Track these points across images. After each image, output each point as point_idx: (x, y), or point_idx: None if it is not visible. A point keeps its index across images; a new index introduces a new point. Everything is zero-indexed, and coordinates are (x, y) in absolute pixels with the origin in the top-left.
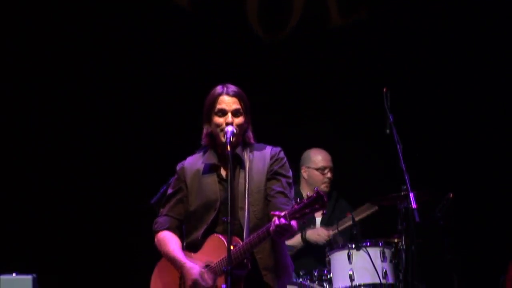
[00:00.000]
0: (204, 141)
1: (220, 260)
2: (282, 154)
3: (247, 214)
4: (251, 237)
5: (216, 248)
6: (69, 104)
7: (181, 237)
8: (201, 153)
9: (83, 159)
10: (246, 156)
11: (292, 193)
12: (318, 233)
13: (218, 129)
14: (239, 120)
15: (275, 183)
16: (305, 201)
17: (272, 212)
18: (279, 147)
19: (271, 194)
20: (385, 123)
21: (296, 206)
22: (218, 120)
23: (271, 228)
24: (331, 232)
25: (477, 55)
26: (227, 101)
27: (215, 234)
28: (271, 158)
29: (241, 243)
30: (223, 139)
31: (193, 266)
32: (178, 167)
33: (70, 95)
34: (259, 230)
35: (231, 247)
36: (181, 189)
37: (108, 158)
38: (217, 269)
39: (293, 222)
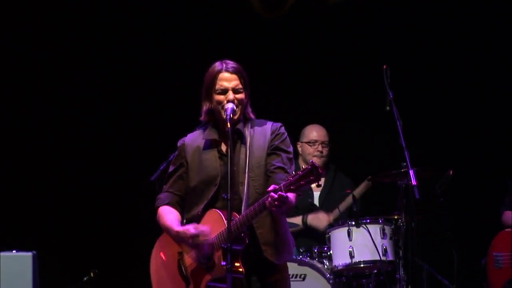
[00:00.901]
0: (203, 118)
1: (218, 234)
2: (283, 130)
3: (246, 189)
4: (248, 210)
5: (214, 223)
6: (69, 78)
7: (182, 213)
8: (202, 130)
9: (83, 136)
10: (247, 131)
11: (292, 169)
12: (319, 217)
13: (220, 107)
14: (240, 96)
15: (275, 158)
16: (300, 173)
17: (268, 189)
18: (280, 122)
19: (271, 169)
20: (385, 100)
21: (291, 178)
22: (219, 97)
23: (267, 201)
24: (332, 217)
25: (477, 31)
26: (227, 78)
27: (213, 209)
28: (271, 133)
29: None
30: (225, 116)
31: (188, 226)
32: (178, 144)
33: (70, 69)
34: (255, 203)
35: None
36: (182, 165)
37: (108, 135)
38: (215, 244)
39: (290, 195)
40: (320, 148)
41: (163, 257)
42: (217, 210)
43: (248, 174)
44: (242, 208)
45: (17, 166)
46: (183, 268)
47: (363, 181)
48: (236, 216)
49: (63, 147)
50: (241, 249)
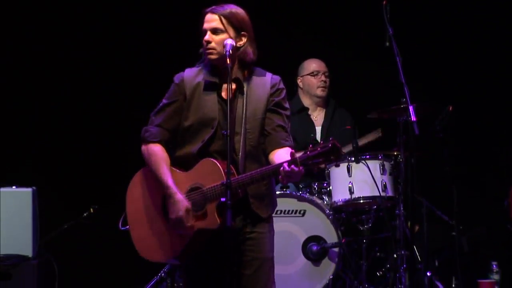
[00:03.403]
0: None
1: (214, 185)
2: (282, 85)
3: (243, 140)
4: (254, 172)
5: (209, 173)
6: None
7: (168, 150)
8: (201, 68)
9: (84, 72)
10: (246, 80)
11: (289, 127)
12: None
13: (203, 48)
14: (218, 38)
15: (276, 116)
16: (319, 149)
17: (286, 162)
18: (278, 76)
19: (272, 127)
20: (384, 36)
21: (308, 153)
22: (203, 39)
23: (280, 176)
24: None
25: None
26: (207, 19)
27: (209, 158)
28: (271, 87)
29: (235, 173)
30: (208, 57)
31: (182, 199)
32: (176, 79)
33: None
34: (263, 167)
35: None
36: (178, 100)
37: (110, 73)
38: (209, 194)
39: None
40: (323, 78)
41: (146, 192)
42: (214, 160)
43: (244, 126)
44: (239, 159)
45: (16, 101)
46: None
47: (374, 130)
48: (233, 169)
49: (64, 83)
50: (232, 202)
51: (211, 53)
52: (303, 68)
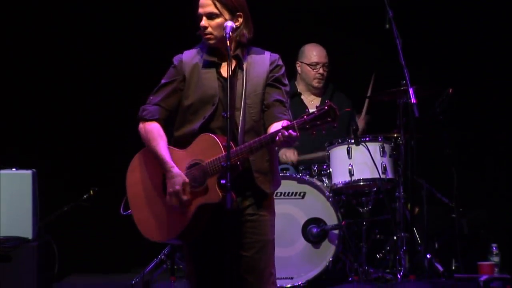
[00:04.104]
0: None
1: (213, 159)
2: (281, 61)
3: (242, 115)
4: (252, 141)
5: (208, 148)
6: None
7: (166, 131)
8: (200, 49)
9: (83, 55)
10: (245, 58)
11: (289, 103)
12: (286, 154)
13: (201, 32)
14: (214, 22)
15: (275, 90)
16: (316, 113)
17: (282, 125)
18: (277, 54)
19: (270, 101)
20: (384, 18)
21: (305, 117)
22: (200, 23)
23: (277, 138)
24: (298, 158)
25: None
26: (201, 4)
27: (207, 134)
28: (270, 64)
29: (234, 146)
30: (207, 42)
31: (179, 173)
32: (175, 60)
33: None
34: (261, 136)
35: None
36: (177, 80)
37: (109, 56)
38: (209, 169)
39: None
40: (321, 71)
41: (146, 174)
42: (212, 135)
43: (244, 101)
44: (239, 134)
45: (16, 84)
46: None
47: (364, 102)
48: (232, 146)
49: (64, 65)
50: (233, 176)
51: (209, 39)
52: (304, 55)
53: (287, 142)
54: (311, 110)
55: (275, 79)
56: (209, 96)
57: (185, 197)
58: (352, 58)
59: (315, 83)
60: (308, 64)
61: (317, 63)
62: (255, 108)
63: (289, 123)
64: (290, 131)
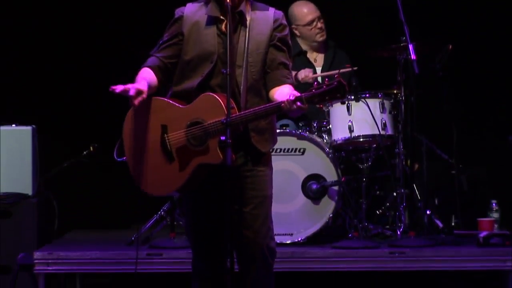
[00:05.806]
0: None
1: (216, 121)
2: (285, 21)
3: (244, 72)
4: (258, 108)
5: (210, 108)
6: None
7: (162, 80)
8: (203, 3)
9: (84, 9)
10: (248, 14)
11: (291, 64)
12: (303, 74)
13: None
14: None
15: (280, 52)
16: (325, 87)
17: (289, 97)
18: (281, 11)
19: (275, 64)
20: None
21: (314, 91)
22: None
23: (284, 105)
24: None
25: None
26: None
27: (210, 93)
28: (274, 22)
29: (236, 108)
30: None
31: (128, 86)
32: (176, 14)
33: None
34: (267, 104)
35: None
36: (177, 35)
37: (110, 8)
38: (211, 130)
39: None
40: (319, 25)
41: (143, 126)
42: (215, 96)
43: (246, 59)
44: (241, 92)
45: (16, 39)
46: (168, 143)
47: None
48: (233, 103)
49: (64, 20)
50: (233, 136)
51: None
52: (296, 18)
53: (293, 113)
54: (319, 79)
55: (280, 39)
56: (207, 53)
57: (137, 86)
58: (352, 14)
59: (318, 38)
60: (304, 25)
61: (312, 20)
62: (256, 66)
63: (292, 88)
64: (298, 103)
